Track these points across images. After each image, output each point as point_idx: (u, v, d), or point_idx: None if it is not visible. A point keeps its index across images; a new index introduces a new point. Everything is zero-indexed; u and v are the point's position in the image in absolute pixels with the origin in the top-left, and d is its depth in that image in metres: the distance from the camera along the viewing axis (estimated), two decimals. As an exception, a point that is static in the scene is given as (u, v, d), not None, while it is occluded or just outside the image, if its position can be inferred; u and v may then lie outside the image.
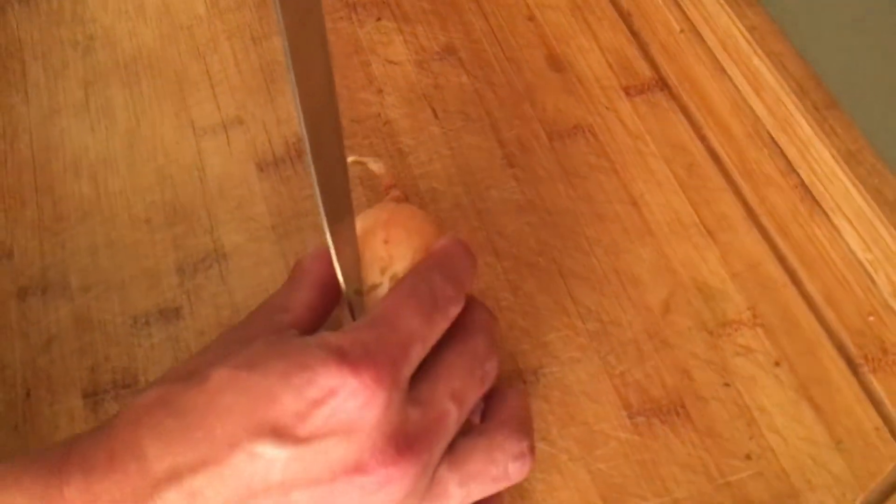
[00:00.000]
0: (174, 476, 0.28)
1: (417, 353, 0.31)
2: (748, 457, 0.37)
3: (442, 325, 0.32)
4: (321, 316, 0.35)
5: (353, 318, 0.35)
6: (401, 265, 0.35)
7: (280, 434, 0.28)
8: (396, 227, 0.36)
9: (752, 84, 0.47)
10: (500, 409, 0.35)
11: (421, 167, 0.46)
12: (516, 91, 0.49)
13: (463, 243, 0.35)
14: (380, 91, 0.50)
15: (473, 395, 0.33)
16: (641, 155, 0.46)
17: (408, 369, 0.30)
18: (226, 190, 0.47)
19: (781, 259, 0.42)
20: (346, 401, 0.28)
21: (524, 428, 0.34)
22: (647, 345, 0.40)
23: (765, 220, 0.43)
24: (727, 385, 0.39)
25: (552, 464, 0.38)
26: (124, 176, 0.48)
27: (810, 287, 0.41)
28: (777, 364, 0.39)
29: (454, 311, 0.33)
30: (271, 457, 0.28)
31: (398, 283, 0.33)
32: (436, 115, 0.48)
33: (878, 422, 0.38)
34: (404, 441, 0.29)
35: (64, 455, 0.29)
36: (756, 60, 0.47)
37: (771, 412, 0.38)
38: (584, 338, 0.41)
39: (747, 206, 0.44)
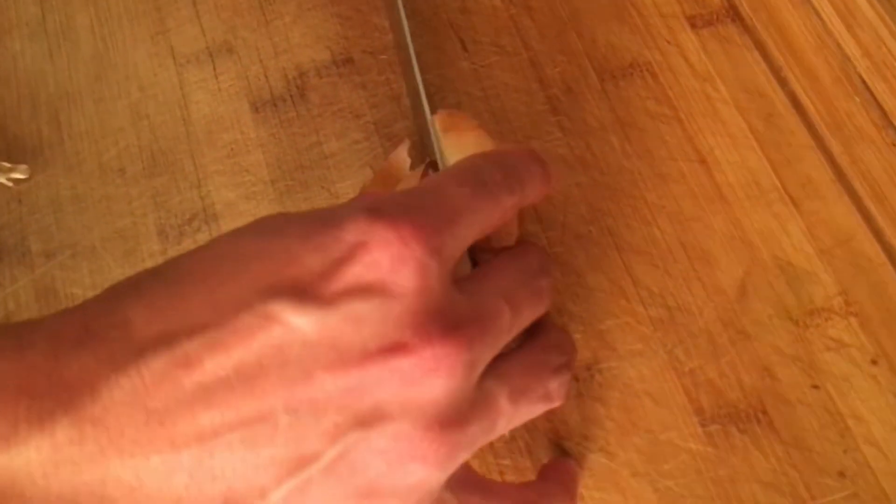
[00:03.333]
0: (163, 340, 0.22)
1: (463, 228, 0.25)
2: (842, 474, 0.32)
3: (491, 208, 0.26)
4: None
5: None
6: None
7: (301, 293, 0.22)
8: None
9: (843, 17, 0.39)
10: (536, 333, 0.30)
11: (448, 111, 0.39)
12: (560, 18, 0.41)
13: (530, 151, 0.29)
14: (397, 15, 0.41)
15: (527, 306, 0.27)
16: (710, 101, 0.39)
17: (452, 241, 0.24)
18: (214, 134, 0.39)
19: (877, 233, 0.36)
20: (380, 254, 0.23)
21: (562, 344, 0.30)
22: (722, 336, 0.34)
23: (857, 185, 0.37)
24: (816, 387, 0.33)
25: (611, 480, 0.32)
26: (91, 114, 0.40)
27: (912, 268, 0.35)
28: (874, 362, 0.33)
29: (507, 199, 0.27)
30: (288, 320, 0.22)
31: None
32: (464, 47, 0.41)
33: None
34: (452, 321, 0.24)
35: (26, 330, 0.22)
36: (851, -11, 0.39)
37: (868, 420, 0.32)
38: (646, 326, 0.34)
39: (836, 168, 0.37)
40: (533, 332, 0.30)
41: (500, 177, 0.27)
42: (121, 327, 0.22)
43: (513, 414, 0.26)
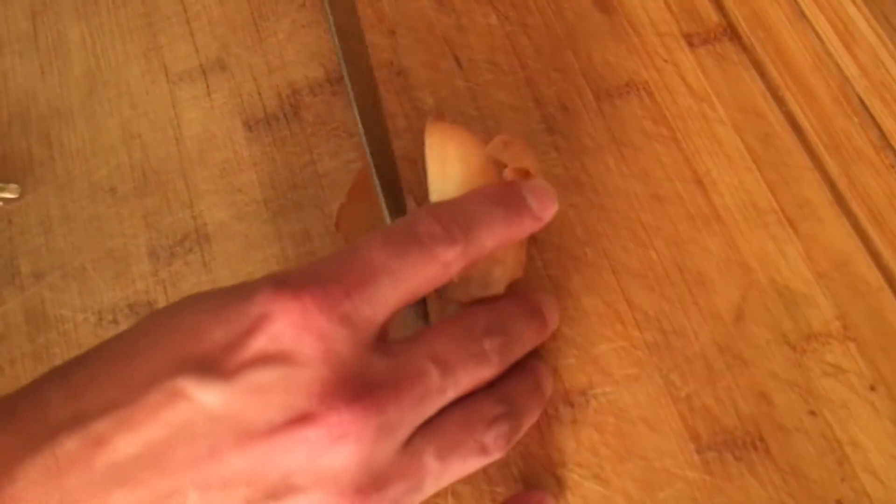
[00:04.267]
0: (77, 420, 0.22)
1: (383, 289, 0.25)
2: (839, 503, 0.31)
3: (423, 265, 0.26)
4: None
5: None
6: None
7: (205, 368, 0.23)
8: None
9: (842, 36, 0.39)
10: (494, 384, 0.30)
11: (443, 131, 0.39)
12: (556, 36, 0.41)
13: (495, 192, 0.29)
14: (391, 32, 0.41)
15: (464, 369, 0.27)
16: (707, 121, 0.38)
17: (366, 304, 0.24)
18: (207, 153, 0.39)
19: (875, 256, 0.35)
20: (281, 325, 0.23)
21: (506, 396, 0.29)
22: (718, 361, 0.34)
23: (855, 207, 0.36)
24: (813, 413, 0.33)
25: (606, 508, 0.32)
26: (83, 132, 0.40)
27: (910, 292, 0.35)
28: (872, 388, 0.33)
29: (445, 253, 0.26)
30: (193, 395, 0.22)
31: None
32: (459, 65, 0.40)
33: None
34: (362, 387, 0.24)
35: None
36: (850, 7, 0.39)
37: (866, 448, 0.32)
38: (641, 351, 0.34)
39: (834, 189, 0.37)
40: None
41: (437, 229, 0.26)
42: (39, 408, 0.23)
43: (441, 471, 0.26)
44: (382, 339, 0.26)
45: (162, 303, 0.35)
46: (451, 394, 0.27)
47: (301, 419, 0.23)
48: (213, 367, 0.23)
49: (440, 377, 0.26)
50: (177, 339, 0.24)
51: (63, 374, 0.24)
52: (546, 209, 0.29)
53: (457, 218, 0.27)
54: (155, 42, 0.41)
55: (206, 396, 0.23)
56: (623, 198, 0.37)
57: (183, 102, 0.40)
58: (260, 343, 0.23)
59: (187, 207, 0.38)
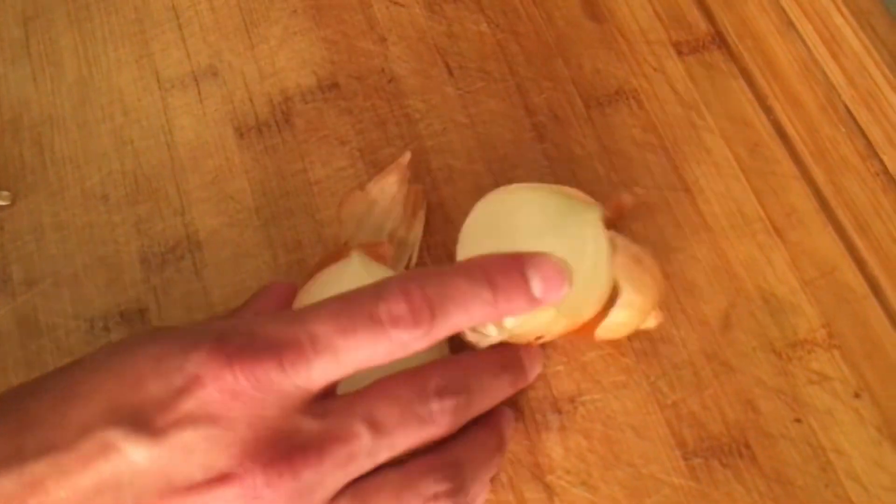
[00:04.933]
0: (14, 460, 0.24)
1: (322, 365, 0.24)
2: (823, 509, 0.32)
3: (371, 343, 0.24)
4: None
5: None
6: None
7: (137, 422, 0.24)
8: None
9: (829, 45, 0.39)
10: (445, 444, 0.29)
11: (434, 138, 0.39)
12: (546, 44, 0.41)
13: (501, 262, 0.26)
14: (383, 39, 0.41)
15: (403, 433, 0.26)
16: (695, 129, 0.39)
17: (300, 377, 0.24)
18: (199, 160, 0.39)
19: (860, 264, 0.36)
20: (212, 389, 0.24)
21: (453, 468, 0.28)
22: (705, 368, 0.34)
23: (841, 215, 0.37)
24: (798, 421, 0.33)
25: (594, 514, 0.32)
26: (75, 139, 0.40)
27: (895, 300, 0.35)
28: (857, 395, 0.33)
29: (402, 335, 0.24)
30: (123, 448, 0.24)
31: None
32: (450, 72, 0.40)
33: (974, 468, 0.32)
34: (283, 450, 0.24)
35: None
36: (837, 17, 0.39)
37: (850, 455, 0.32)
38: (629, 358, 0.34)
39: (821, 197, 0.37)
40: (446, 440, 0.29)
41: (402, 309, 0.24)
42: None
43: None
44: (323, 397, 0.26)
45: (154, 310, 0.36)
46: (384, 455, 0.26)
47: (220, 479, 0.24)
48: (144, 422, 0.24)
49: (371, 440, 0.26)
50: (116, 386, 0.24)
51: (11, 405, 0.25)
52: (552, 292, 0.26)
53: (430, 297, 0.25)
54: (147, 49, 0.42)
55: (134, 451, 0.24)
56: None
57: (175, 109, 0.40)
58: (189, 405, 0.24)
59: (179, 214, 0.38)
